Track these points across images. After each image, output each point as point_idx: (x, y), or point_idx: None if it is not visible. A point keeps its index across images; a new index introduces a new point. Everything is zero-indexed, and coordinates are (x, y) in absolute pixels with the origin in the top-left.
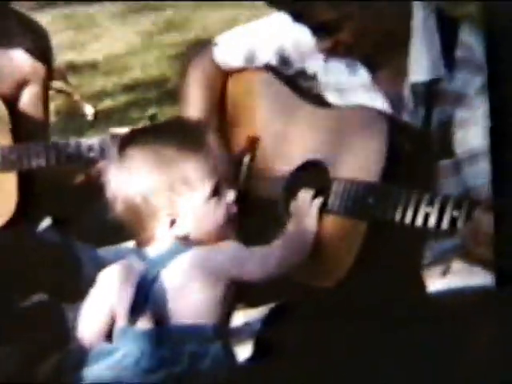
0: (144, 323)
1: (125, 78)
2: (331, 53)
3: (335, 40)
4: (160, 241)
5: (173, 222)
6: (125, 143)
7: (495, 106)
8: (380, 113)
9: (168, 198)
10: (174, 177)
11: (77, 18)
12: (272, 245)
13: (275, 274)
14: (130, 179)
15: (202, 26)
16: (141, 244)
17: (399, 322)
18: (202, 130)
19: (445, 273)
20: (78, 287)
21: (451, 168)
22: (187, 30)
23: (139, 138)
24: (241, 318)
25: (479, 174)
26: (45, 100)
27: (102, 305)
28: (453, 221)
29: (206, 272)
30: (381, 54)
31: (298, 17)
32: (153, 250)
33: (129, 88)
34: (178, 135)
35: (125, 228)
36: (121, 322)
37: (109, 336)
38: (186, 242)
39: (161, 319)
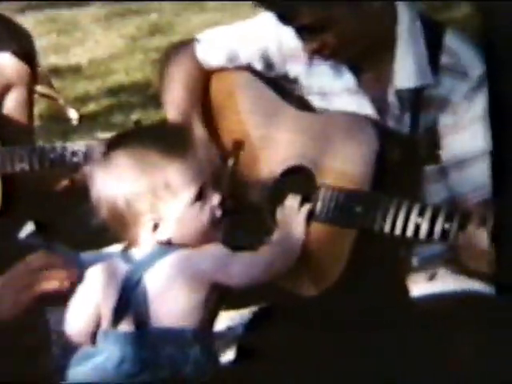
0: (126, 326)
1: (108, 82)
2: (317, 54)
3: (321, 41)
4: (143, 244)
5: (156, 226)
6: (109, 147)
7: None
8: (367, 119)
9: (151, 203)
10: (157, 181)
11: (60, 21)
12: (258, 251)
13: (260, 279)
14: (113, 183)
15: (186, 29)
16: (126, 247)
17: (384, 329)
18: (185, 134)
19: (431, 278)
20: None
21: (437, 174)
22: (171, 33)
23: (123, 142)
24: (224, 321)
25: (466, 180)
26: (29, 104)
27: (88, 304)
28: (444, 233)
29: (189, 275)
30: (366, 59)
31: (284, 18)
32: (137, 253)
33: (112, 92)
34: (161, 139)
35: (109, 232)
36: (104, 323)
37: (94, 338)
38: (168, 245)
39: (142, 322)
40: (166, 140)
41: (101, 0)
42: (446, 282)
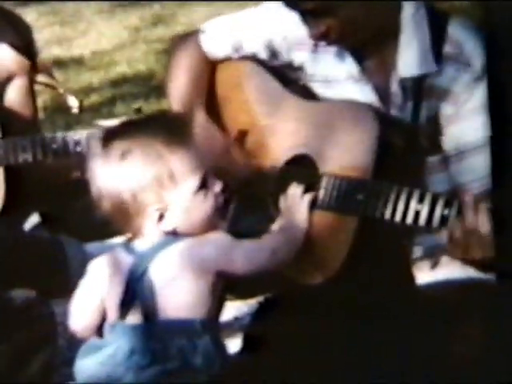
0: (134, 318)
1: (111, 73)
2: (322, 39)
3: (326, 26)
4: (148, 235)
5: (161, 217)
6: (109, 137)
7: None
8: (370, 108)
9: (156, 193)
10: (162, 171)
11: (63, 13)
12: (262, 238)
13: (263, 268)
14: (116, 175)
15: (189, 20)
16: (130, 239)
17: (389, 317)
18: (187, 123)
19: (434, 266)
20: (65, 282)
21: (439, 164)
22: (174, 25)
23: (124, 132)
24: (230, 311)
25: (466, 171)
26: (31, 93)
27: (92, 296)
28: (443, 219)
29: (194, 264)
30: (370, 46)
31: (289, 2)
32: (141, 245)
33: (115, 83)
34: (163, 129)
35: (112, 224)
36: (111, 316)
37: (100, 330)
38: (174, 235)
39: (150, 314)
40: (167, 129)
41: None
42: (449, 270)
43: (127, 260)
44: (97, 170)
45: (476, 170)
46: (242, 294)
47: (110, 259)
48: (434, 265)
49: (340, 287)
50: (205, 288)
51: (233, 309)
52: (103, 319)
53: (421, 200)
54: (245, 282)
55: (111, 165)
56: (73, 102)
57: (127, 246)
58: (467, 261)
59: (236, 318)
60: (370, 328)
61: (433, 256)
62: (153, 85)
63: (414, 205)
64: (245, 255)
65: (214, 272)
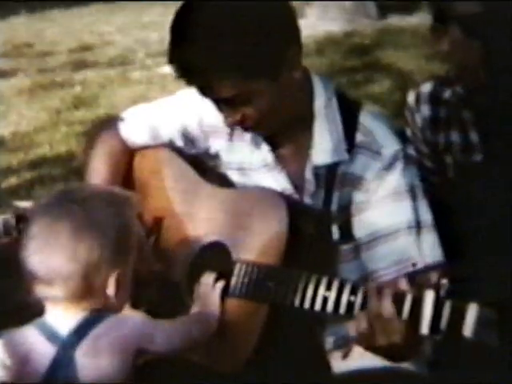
0: None
1: (31, 155)
2: (238, 126)
3: (242, 114)
4: (72, 314)
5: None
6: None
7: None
8: (279, 195)
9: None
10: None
11: None
12: (176, 320)
13: (179, 347)
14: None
15: (111, 102)
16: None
17: None
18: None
19: (345, 356)
20: None
21: (351, 252)
22: (96, 106)
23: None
24: None
25: (377, 258)
26: None
27: None
28: (349, 305)
29: (118, 344)
30: (285, 134)
31: (205, 91)
32: (63, 328)
33: (35, 165)
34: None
35: (31, 308)
36: None
37: None
38: (98, 313)
39: None
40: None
41: None
42: (362, 359)
43: (48, 350)
44: (29, 252)
45: (386, 256)
46: None
47: (6, 343)
48: (345, 355)
49: (252, 375)
50: (126, 369)
51: None
52: None
53: (328, 287)
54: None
55: (46, 246)
56: None
57: (48, 332)
58: (375, 349)
59: None
60: None
61: (343, 346)
62: (73, 166)
63: (322, 291)
64: (163, 335)
65: (133, 351)
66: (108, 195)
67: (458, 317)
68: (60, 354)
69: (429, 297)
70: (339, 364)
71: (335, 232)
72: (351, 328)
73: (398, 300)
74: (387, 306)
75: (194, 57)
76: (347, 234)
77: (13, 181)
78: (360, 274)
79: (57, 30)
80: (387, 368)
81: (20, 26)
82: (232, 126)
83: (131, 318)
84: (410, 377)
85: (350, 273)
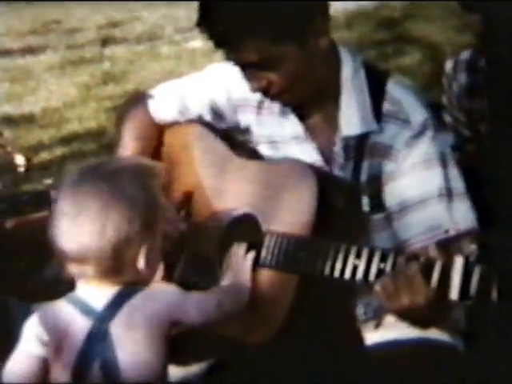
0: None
1: (62, 131)
2: (263, 93)
3: (267, 80)
4: (105, 289)
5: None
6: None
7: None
8: (309, 167)
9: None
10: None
11: (13, 70)
12: (208, 292)
13: (213, 318)
14: (82, 235)
15: (140, 78)
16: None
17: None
18: None
19: (377, 327)
20: (10, 344)
21: (383, 222)
22: (125, 82)
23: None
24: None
25: (409, 227)
26: None
27: (26, 357)
28: (379, 272)
29: (151, 318)
30: (313, 105)
31: (232, 55)
32: (96, 303)
33: (66, 141)
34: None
35: (62, 284)
36: (63, 378)
37: None
38: (131, 287)
39: (111, 375)
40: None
41: None
42: (395, 330)
43: (84, 324)
44: (58, 231)
45: (418, 225)
46: (188, 361)
47: (43, 318)
48: (377, 325)
49: (285, 347)
50: (161, 341)
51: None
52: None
53: (358, 255)
54: (187, 349)
55: (76, 222)
56: (19, 160)
57: (83, 307)
58: (403, 313)
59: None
60: None
61: (376, 316)
62: (103, 142)
63: (351, 259)
64: (196, 306)
65: (168, 323)
66: (134, 168)
67: (487, 282)
68: (96, 328)
69: (458, 262)
70: (372, 335)
71: (366, 203)
72: (380, 292)
73: (428, 265)
74: (413, 268)
75: (222, 17)
76: (378, 204)
77: (44, 156)
78: (392, 243)
79: (84, 7)
80: (421, 339)
81: (48, 4)
82: (257, 91)
83: (165, 290)
84: (445, 349)
85: (382, 242)
